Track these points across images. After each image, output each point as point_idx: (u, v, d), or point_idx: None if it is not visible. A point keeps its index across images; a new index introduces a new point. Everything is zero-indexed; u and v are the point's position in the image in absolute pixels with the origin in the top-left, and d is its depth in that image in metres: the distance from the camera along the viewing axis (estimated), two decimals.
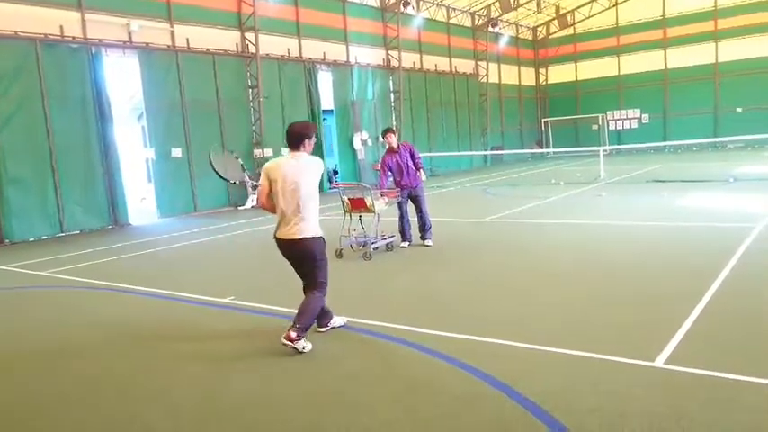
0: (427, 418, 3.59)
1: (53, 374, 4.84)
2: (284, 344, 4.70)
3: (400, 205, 9.27)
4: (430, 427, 3.49)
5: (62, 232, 13.77)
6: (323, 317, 5.27)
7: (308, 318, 4.89)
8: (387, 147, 9.34)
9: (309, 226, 4.90)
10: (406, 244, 9.31)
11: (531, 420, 3.46)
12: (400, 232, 9.38)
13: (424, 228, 9.27)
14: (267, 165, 5.01)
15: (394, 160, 9.18)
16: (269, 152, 18.72)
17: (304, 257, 4.97)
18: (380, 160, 9.47)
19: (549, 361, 4.35)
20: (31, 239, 13.19)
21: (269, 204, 4.97)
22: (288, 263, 5.12)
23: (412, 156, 9.23)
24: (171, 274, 8.67)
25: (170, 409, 4.01)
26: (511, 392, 3.82)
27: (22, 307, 7.35)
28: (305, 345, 4.78)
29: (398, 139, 9.43)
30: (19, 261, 10.41)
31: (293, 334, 4.71)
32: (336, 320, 5.40)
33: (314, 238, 4.91)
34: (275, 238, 5.00)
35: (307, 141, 4.95)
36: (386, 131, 9.36)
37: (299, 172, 4.85)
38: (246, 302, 6.56)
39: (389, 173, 9.24)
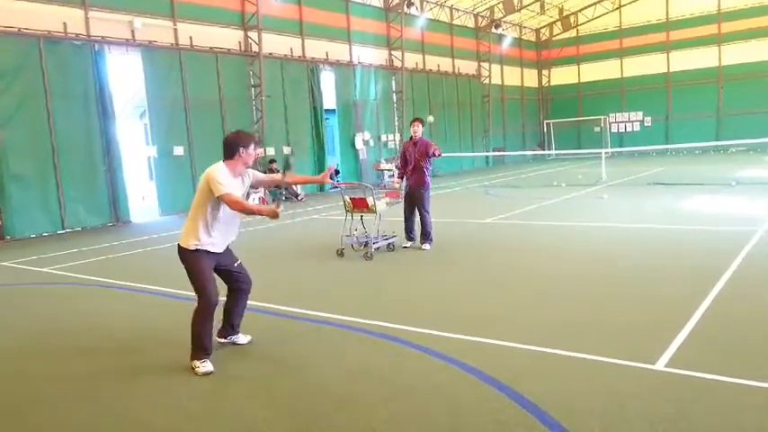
0: (427, 418, 3.58)
1: (54, 371, 4.84)
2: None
3: (405, 205, 9.26)
4: (430, 426, 3.48)
5: (63, 229, 13.79)
6: (224, 327, 5.10)
7: (192, 335, 4.62)
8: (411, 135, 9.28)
9: (183, 236, 4.72)
10: (408, 244, 9.28)
11: (532, 421, 3.44)
12: (405, 231, 9.35)
13: (423, 232, 9.17)
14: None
15: (409, 150, 9.19)
16: (271, 151, 18.74)
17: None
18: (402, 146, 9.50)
19: (550, 362, 4.34)
20: (33, 236, 13.20)
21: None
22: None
23: (425, 153, 9.01)
24: (171, 272, 8.63)
25: (169, 408, 4.00)
26: (511, 393, 3.81)
27: (22, 304, 7.35)
28: (200, 366, 4.54)
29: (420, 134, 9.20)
30: (20, 258, 10.42)
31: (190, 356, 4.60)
32: (240, 338, 5.16)
33: (183, 247, 4.71)
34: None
35: (241, 149, 4.69)
36: (414, 120, 9.32)
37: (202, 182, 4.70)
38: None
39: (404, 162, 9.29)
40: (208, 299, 4.62)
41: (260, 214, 4.69)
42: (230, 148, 4.73)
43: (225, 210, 4.66)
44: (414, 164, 9.08)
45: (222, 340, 5.14)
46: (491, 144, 31.05)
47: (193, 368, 4.54)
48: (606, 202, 13.47)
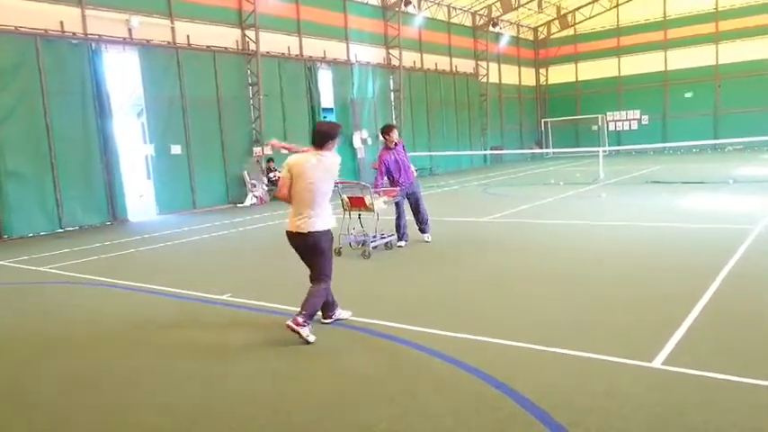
0: (426, 417, 3.58)
1: (51, 370, 4.83)
2: (289, 327, 4.90)
3: (398, 204, 9.25)
4: (429, 424, 3.49)
5: (61, 228, 13.76)
6: (327, 308, 5.44)
7: (311, 307, 5.07)
8: (385, 144, 9.24)
9: (319, 221, 5.13)
10: (402, 243, 9.29)
11: (530, 419, 3.45)
12: (397, 231, 9.35)
13: (420, 222, 9.26)
14: (290, 160, 5.22)
15: (393, 158, 9.13)
16: (268, 150, 18.70)
17: (310, 250, 5.22)
18: (378, 158, 9.33)
19: (548, 360, 4.35)
20: (30, 235, 13.17)
21: (286, 196, 5.23)
22: (289, 258, 5.22)
23: (404, 152, 9.26)
24: (169, 271, 8.65)
25: (166, 406, 4.00)
26: (509, 391, 3.82)
27: (19, 303, 7.33)
28: (309, 334, 4.94)
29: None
30: (17, 256, 10.40)
31: (300, 319, 4.92)
32: (341, 313, 5.56)
33: (321, 231, 5.14)
34: (287, 231, 5.27)
35: (330, 142, 5.20)
36: (389, 128, 9.19)
37: (319, 171, 5.10)
38: (244, 299, 6.56)
39: (385, 172, 9.18)
40: (331, 276, 5.29)
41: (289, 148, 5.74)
42: (325, 138, 5.22)
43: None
44: (403, 164, 9.13)
45: (327, 321, 5.48)
46: (489, 142, 31.05)
47: (306, 337, 4.90)
48: (604, 201, 13.49)
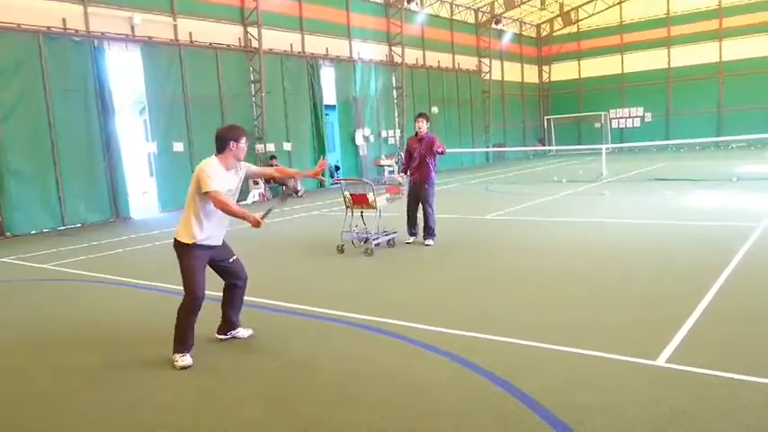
0: (429, 415, 3.57)
1: (54, 367, 4.83)
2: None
3: (408, 200, 9.22)
4: (433, 423, 3.47)
5: (63, 225, 13.78)
6: (223, 323, 5.10)
7: (175, 328, 4.68)
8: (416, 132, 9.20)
9: (179, 229, 4.76)
10: (411, 239, 9.27)
11: (534, 418, 3.44)
12: (408, 226, 9.32)
13: (425, 227, 9.15)
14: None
15: (413, 146, 9.11)
16: (271, 147, 18.71)
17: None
18: (407, 142, 9.41)
19: (552, 359, 4.33)
20: (33, 232, 13.19)
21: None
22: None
23: (430, 148, 8.96)
24: (171, 269, 8.64)
25: (166, 406, 3.99)
26: (513, 390, 3.80)
27: (22, 300, 7.34)
28: (179, 360, 4.57)
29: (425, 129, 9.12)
30: (20, 254, 10.41)
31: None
32: (240, 332, 5.17)
33: (178, 240, 4.76)
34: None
35: (231, 143, 4.75)
36: (418, 116, 9.20)
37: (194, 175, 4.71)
38: (245, 297, 6.52)
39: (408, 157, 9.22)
40: (194, 294, 4.67)
41: (243, 219, 4.70)
42: (222, 142, 4.80)
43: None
44: (419, 159, 9.03)
45: (222, 337, 5.15)
46: (491, 140, 31.00)
47: (173, 362, 4.58)
48: (607, 199, 13.45)
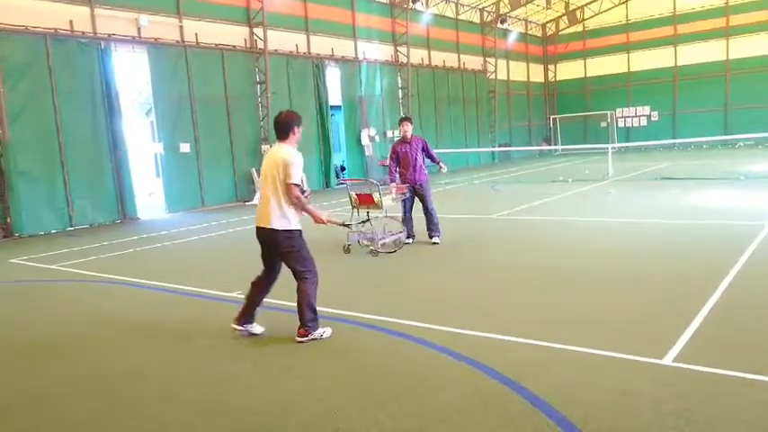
0: (436, 414, 3.58)
1: (62, 367, 4.87)
2: (301, 342, 4.86)
3: (405, 202, 9.23)
4: (439, 422, 3.48)
5: (71, 226, 13.86)
6: (245, 314, 5.15)
7: (305, 311, 4.90)
8: (401, 136, 9.28)
9: (276, 217, 4.81)
10: (410, 240, 9.28)
11: (541, 417, 3.44)
12: (407, 228, 9.32)
13: (430, 224, 9.18)
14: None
15: (403, 151, 9.14)
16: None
17: (270, 246, 4.97)
18: (391, 148, 9.42)
19: (558, 358, 4.34)
20: (41, 233, 13.28)
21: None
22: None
23: (424, 150, 9.19)
24: (179, 269, 8.70)
25: (179, 405, 4.01)
26: (519, 389, 3.81)
27: (31, 300, 7.39)
28: (321, 333, 4.92)
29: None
30: (29, 254, 10.49)
31: (301, 330, 4.88)
32: (255, 328, 5.20)
33: (279, 230, 4.82)
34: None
35: (296, 128, 4.90)
36: (402, 120, 9.29)
37: (274, 163, 4.80)
38: None
39: (396, 164, 9.20)
40: (317, 271, 4.93)
41: (311, 216, 4.89)
42: (286, 126, 4.86)
43: None
44: (414, 161, 9.09)
45: (239, 327, 5.18)
46: (497, 139, 30.95)
47: (321, 336, 4.88)
48: (613, 198, 13.42)
